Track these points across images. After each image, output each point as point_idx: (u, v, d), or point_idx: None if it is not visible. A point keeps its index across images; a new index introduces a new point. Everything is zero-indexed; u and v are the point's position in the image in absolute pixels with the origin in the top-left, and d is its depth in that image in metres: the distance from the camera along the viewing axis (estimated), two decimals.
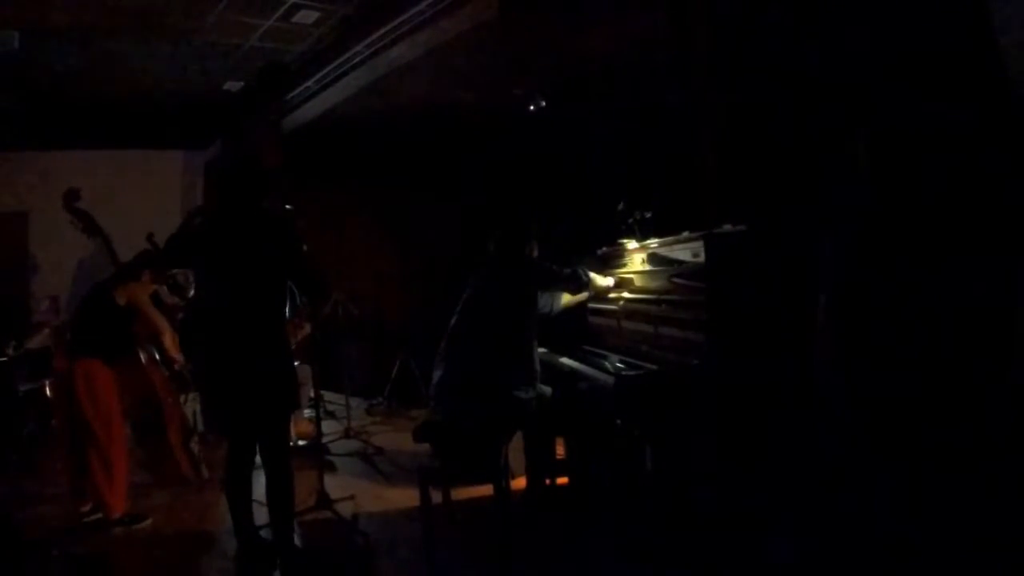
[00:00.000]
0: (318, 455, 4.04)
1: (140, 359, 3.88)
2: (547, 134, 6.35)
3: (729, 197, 3.25)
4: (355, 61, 5.25)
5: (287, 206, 3.79)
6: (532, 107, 5.95)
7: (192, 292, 4.47)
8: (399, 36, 4.77)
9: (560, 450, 3.83)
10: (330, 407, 6.10)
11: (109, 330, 3.69)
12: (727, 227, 2.82)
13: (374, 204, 7.76)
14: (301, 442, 4.95)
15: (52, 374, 3.95)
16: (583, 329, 3.92)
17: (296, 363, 4.70)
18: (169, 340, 3.99)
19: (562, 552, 3.17)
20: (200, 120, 7.03)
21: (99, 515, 3.60)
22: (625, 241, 3.65)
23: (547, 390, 3.39)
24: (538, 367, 3.31)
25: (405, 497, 3.88)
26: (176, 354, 4.07)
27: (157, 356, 4.08)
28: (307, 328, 4.76)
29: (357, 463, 4.86)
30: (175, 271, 4.41)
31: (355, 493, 4.03)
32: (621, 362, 3.17)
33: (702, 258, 2.82)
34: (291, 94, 6.14)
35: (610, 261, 3.82)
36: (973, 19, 2.31)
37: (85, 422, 3.54)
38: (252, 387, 2.87)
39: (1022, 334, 1.80)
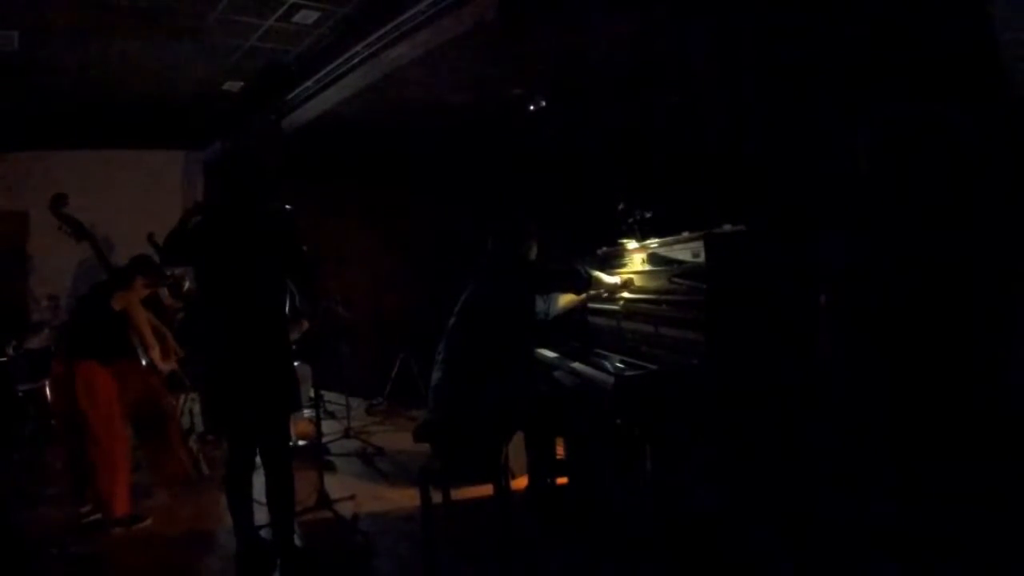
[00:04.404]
0: (318, 455, 4.04)
1: (139, 360, 3.88)
2: (547, 134, 6.35)
3: (729, 197, 3.25)
4: (355, 61, 5.25)
5: (287, 206, 3.79)
6: (532, 107, 5.95)
7: (187, 287, 4.48)
8: (399, 36, 4.77)
9: (560, 450, 3.83)
10: (330, 407, 6.10)
11: (106, 333, 3.68)
12: (727, 227, 2.82)
13: (374, 204, 7.75)
14: (301, 442, 4.95)
15: (51, 377, 3.95)
16: (583, 329, 3.92)
17: (296, 362, 4.71)
18: (157, 353, 3.92)
19: (562, 552, 3.17)
20: (200, 120, 7.02)
21: (99, 515, 3.60)
22: (625, 241, 3.65)
23: (547, 390, 3.39)
24: (537, 368, 3.30)
25: (405, 497, 3.88)
26: (163, 364, 4.02)
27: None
28: (305, 325, 4.77)
29: (357, 463, 4.86)
30: (176, 272, 4.42)
31: (355, 493, 4.03)
32: (621, 362, 3.17)
33: (702, 258, 2.82)
34: (291, 94, 6.14)
35: (610, 261, 3.82)
36: (973, 19, 2.31)
37: (87, 423, 3.54)
38: (252, 387, 2.88)
39: (1021, 332, 1.81)
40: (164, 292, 4.40)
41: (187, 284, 4.47)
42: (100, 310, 3.70)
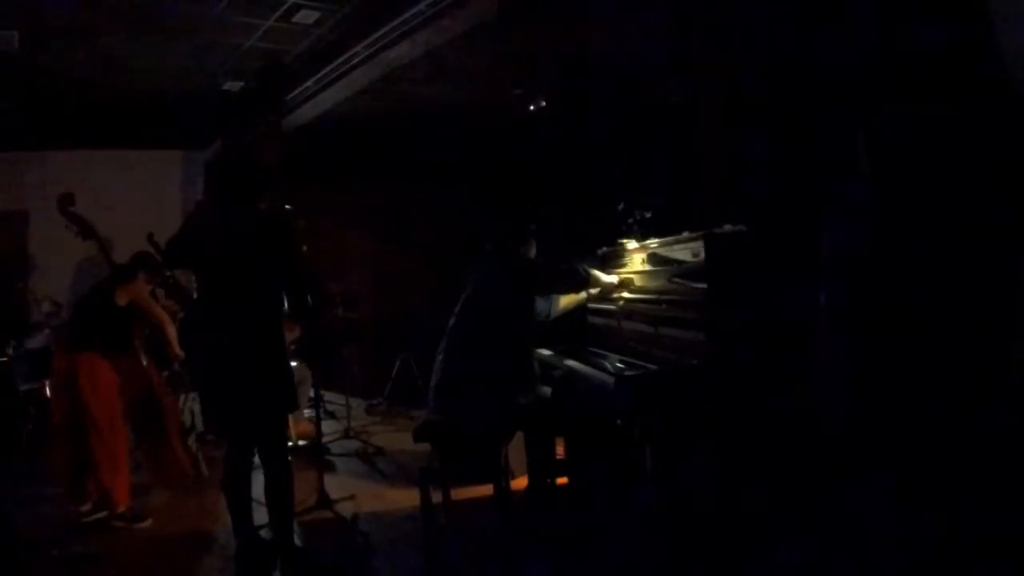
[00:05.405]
0: (318, 455, 4.04)
1: (139, 357, 3.89)
2: (547, 134, 6.36)
3: (729, 197, 3.25)
4: (355, 61, 5.25)
5: (287, 206, 3.79)
6: (532, 107, 5.96)
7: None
8: (399, 36, 4.77)
9: (560, 450, 3.83)
10: (330, 407, 6.10)
11: (109, 328, 3.71)
12: (727, 227, 2.82)
13: (374, 204, 7.75)
14: (301, 442, 4.95)
15: (52, 373, 3.97)
16: (583, 329, 3.92)
17: (295, 363, 4.71)
18: (172, 331, 4.02)
19: (562, 551, 3.17)
20: (200, 120, 7.02)
21: (99, 515, 3.61)
22: (625, 241, 3.65)
23: (547, 390, 3.39)
24: (537, 368, 3.30)
25: (405, 497, 3.88)
26: (177, 347, 4.09)
27: (155, 356, 4.08)
28: (296, 331, 4.76)
29: (357, 463, 4.86)
30: (175, 272, 4.41)
31: (355, 493, 4.03)
32: (621, 362, 3.17)
33: (702, 258, 2.82)
34: (291, 94, 6.14)
35: (610, 261, 3.82)
36: (972, 19, 2.31)
37: (89, 416, 3.55)
38: (247, 388, 2.87)
39: (1022, 331, 1.80)
40: (161, 295, 4.40)
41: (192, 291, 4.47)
42: (103, 304, 3.73)
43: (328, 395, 6.06)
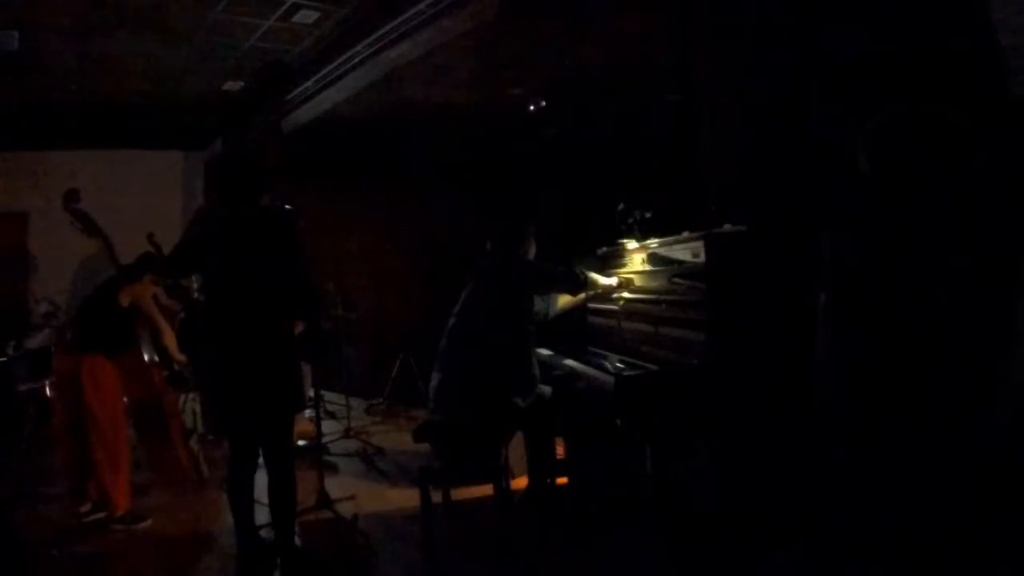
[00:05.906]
0: (318, 455, 4.05)
1: (142, 356, 3.89)
2: (547, 134, 6.35)
3: (729, 197, 3.25)
4: (355, 61, 5.25)
5: (287, 206, 3.79)
6: (532, 107, 5.96)
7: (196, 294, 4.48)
8: (399, 36, 4.77)
9: (560, 450, 3.83)
10: (330, 407, 6.10)
11: (112, 328, 3.70)
12: (727, 227, 2.82)
13: (374, 204, 7.76)
14: (301, 442, 4.95)
15: (54, 373, 3.97)
16: (583, 329, 3.92)
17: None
18: (170, 340, 4.01)
19: (562, 552, 3.17)
20: (200, 120, 7.03)
21: (99, 515, 3.61)
22: (625, 241, 3.65)
23: (547, 390, 3.39)
24: (536, 368, 3.31)
25: (405, 497, 3.88)
26: (177, 354, 4.08)
27: (157, 356, 4.09)
28: (300, 326, 4.76)
29: (357, 463, 4.86)
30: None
31: (355, 493, 4.03)
32: (621, 362, 3.18)
33: (702, 258, 2.82)
34: (291, 94, 6.14)
35: (610, 261, 3.82)
36: (972, 19, 2.31)
37: (92, 417, 3.54)
38: (255, 387, 2.87)
39: (1022, 332, 1.81)
40: (161, 293, 4.39)
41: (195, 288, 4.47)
42: (107, 305, 3.72)
43: (328, 395, 6.06)
